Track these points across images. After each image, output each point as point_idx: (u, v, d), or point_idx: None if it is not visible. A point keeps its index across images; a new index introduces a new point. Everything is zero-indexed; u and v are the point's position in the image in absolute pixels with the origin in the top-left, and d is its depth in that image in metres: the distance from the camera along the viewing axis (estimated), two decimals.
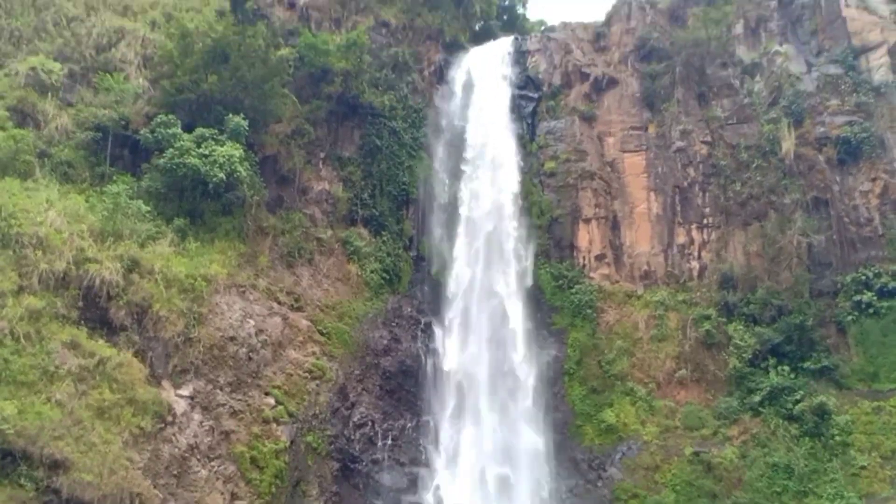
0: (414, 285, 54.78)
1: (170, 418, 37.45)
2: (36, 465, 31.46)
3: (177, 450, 37.02)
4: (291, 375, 44.18)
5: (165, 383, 38.74)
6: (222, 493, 37.70)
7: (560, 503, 48.13)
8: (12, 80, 45.87)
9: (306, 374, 44.89)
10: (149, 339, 39.25)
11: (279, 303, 46.60)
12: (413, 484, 46.85)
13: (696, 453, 47.71)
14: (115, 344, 37.55)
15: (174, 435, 37.31)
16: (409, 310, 53.01)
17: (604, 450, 49.34)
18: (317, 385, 45.03)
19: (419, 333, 52.31)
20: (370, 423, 46.87)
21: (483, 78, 63.20)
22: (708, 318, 52.18)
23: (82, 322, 37.27)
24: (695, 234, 56.49)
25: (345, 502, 44.05)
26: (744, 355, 50.16)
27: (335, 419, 45.26)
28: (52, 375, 34.32)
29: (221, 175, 44.99)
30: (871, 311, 49.68)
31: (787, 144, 55.15)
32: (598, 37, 65.60)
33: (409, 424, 48.76)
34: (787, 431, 47.33)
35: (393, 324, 51.41)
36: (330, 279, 50.49)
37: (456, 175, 59.15)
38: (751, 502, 45.74)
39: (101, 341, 37.00)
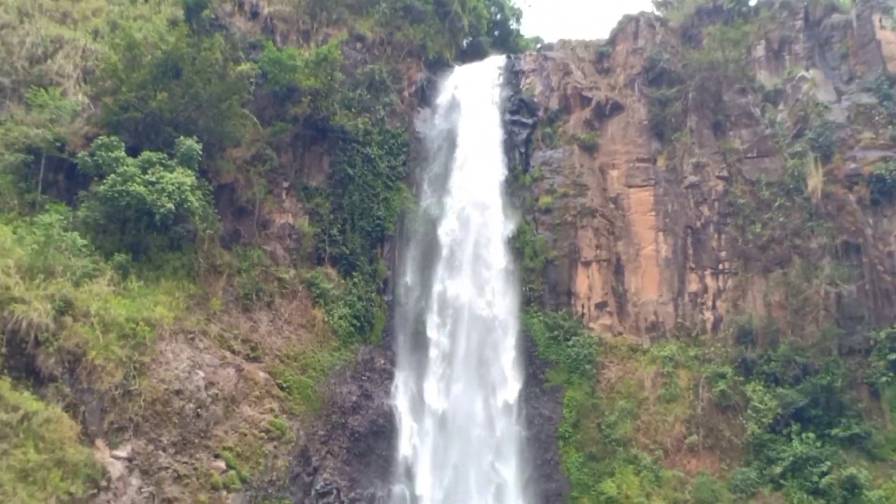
0: (388, 334, 54.77)
1: (104, 483, 37.09)
2: None
3: None
4: (245, 435, 43.95)
5: (100, 443, 38.45)
6: None
7: None
8: None
9: (262, 434, 44.66)
10: (82, 391, 38.98)
11: (233, 352, 46.50)
12: None
13: None
14: (43, 396, 37.25)
15: (108, 502, 36.97)
16: (383, 362, 53.06)
17: None
18: (274, 447, 44.82)
19: (393, 390, 52.24)
20: (335, 492, 46.70)
21: (471, 100, 63.61)
22: (723, 376, 52.39)
23: (5, 371, 36.89)
24: (709, 281, 56.80)
25: None
26: (763, 420, 50.37)
27: (295, 487, 45.00)
28: None
29: (170, 205, 44.87)
30: None
31: (814, 181, 55.66)
32: (601, 57, 66.32)
33: (381, 493, 48.70)
34: None
35: (363, 377, 51.40)
36: (292, 326, 50.45)
37: (439, 210, 59.23)
38: None
39: (26, 393, 36.65)
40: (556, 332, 55.82)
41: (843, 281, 53.02)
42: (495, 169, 60.87)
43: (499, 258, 57.84)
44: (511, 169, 61.62)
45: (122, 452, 38.89)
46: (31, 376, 37.82)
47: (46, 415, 36.45)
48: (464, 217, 58.97)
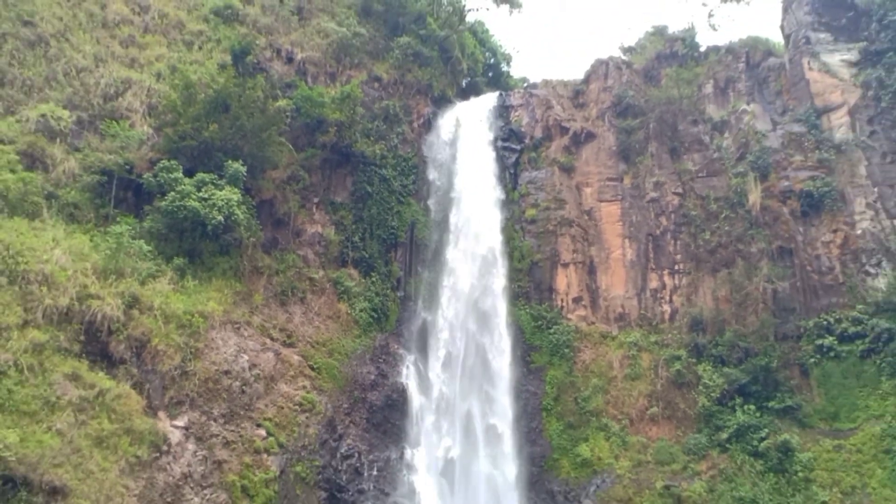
0: (401, 324, 54.62)
1: (165, 448, 37.11)
2: (36, 492, 31.11)
3: (171, 478, 36.66)
4: (282, 408, 43.92)
5: (161, 414, 38.44)
6: None
7: None
8: (23, 125, 45.85)
9: (297, 407, 44.61)
10: (147, 371, 39.02)
11: (272, 339, 46.42)
12: None
13: (667, 487, 47.60)
14: (115, 376, 37.30)
15: (169, 464, 36.96)
16: (396, 347, 52.87)
17: (579, 482, 49.19)
18: (306, 417, 44.76)
19: (405, 370, 52.15)
20: (357, 455, 46.54)
21: (469, 130, 63.48)
22: (678, 358, 52.30)
23: (83, 355, 36.96)
24: (666, 279, 56.69)
25: None
26: (712, 394, 50.30)
27: (323, 450, 44.92)
28: (54, 405, 34.03)
29: (220, 217, 44.95)
30: (832, 354, 49.96)
31: (754, 197, 55.66)
32: (576, 94, 66.31)
33: (394, 456, 48.46)
34: (752, 467, 47.36)
35: (380, 360, 51.22)
36: (321, 317, 50.37)
37: (443, 220, 59.21)
38: None
39: (101, 373, 36.71)
40: (539, 322, 55.84)
41: (778, 279, 53.00)
42: (489, 187, 60.87)
43: (497, 256, 57.96)
44: (503, 186, 61.60)
45: (180, 422, 38.90)
46: (104, 359, 37.87)
47: (117, 391, 36.52)
48: (462, 225, 58.98)
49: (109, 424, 35.21)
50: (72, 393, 35.02)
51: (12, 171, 42.58)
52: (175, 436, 38.10)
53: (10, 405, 32.93)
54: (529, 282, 57.54)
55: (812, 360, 50.39)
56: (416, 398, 51.47)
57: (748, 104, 60.02)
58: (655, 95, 62.74)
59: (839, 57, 58.12)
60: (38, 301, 36.61)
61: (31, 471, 31.30)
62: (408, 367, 52.57)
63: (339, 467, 45.41)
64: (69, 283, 38.00)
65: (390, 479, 47.40)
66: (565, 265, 57.81)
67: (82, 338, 37.47)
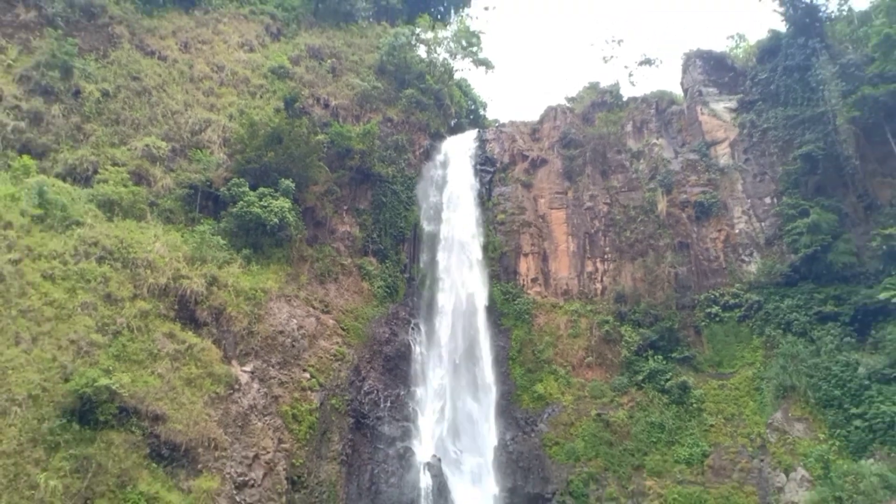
0: (407, 297, 54.11)
1: (236, 386, 37.15)
2: (143, 418, 31.47)
3: (241, 408, 36.64)
4: (322, 358, 43.77)
5: (234, 362, 38.39)
6: (272, 439, 37.24)
7: (504, 449, 47.78)
8: (132, 152, 45.64)
9: (332, 357, 44.45)
10: (223, 331, 39.07)
11: (314, 308, 46.18)
12: (405, 434, 46.37)
13: (599, 414, 47.65)
14: (200, 335, 37.51)
15: (239, 398, 36.91)
16: (404, 314, 52.45)
17: (535, 411, 49.11)
18: (339, 365, 44.60)
19: (410, 330, 51.95)
20: (376, 392, 46.34)
21: (456, 157, 63.06)
22: (607, 322, 52.16)
23: (177, 319, 37.19)
24: (598, 265, 56.53)
25: (357, 446, 43.47)
26: (631, 348, 50.26)
27: (351, 388, 44.73)
28: (156, 356, 34.27)
29: (275, 220, 44.75)
30: (717, 319, 50.10)
31: (661, 206, 55.69)
32: (534, 131, 65.87)
33: (403, 393, 48.19)
34: (660, 400, 47.48)
35: (392, 323, 50.86)
36: (349, 292, 50.12)
37: (437, 223, 58.79)
38: (635, 449, 45.79)
39: (189, 333, 36.90)
40: (507, 296, 55.44)
41: (679, 265, 53.05)
42: (470, 199, 60.61)
43: (476, 249, 57.57)
44: (480, 198, 61.32)
45: (248, 368, 38.87)
46: (192, 323, 38.04)
47: (202, 345, 36.66)
48: (452, 225, 58.59)
49: (196, 369, 35.32)
50: (168, 347, 35.07)
51: (125, 186, 42.57)
52: (244, 378, 38.09)
53: (124, 356, 33.12)
54: (500, 267, 57.11)
55: (703, 323, 50.48)
56: (418, 351, 51.28)
57: (657, 139, 59.93)
58: (591, 132, 62.49)
59: (723, 105, 58.16)
60: (144, 280, 36.87)
61: (139, 403, 31.60)
62: (412, 328, 52.35)
63: (363, 401, 45.21)
64: (166, 267, 38.18)
65: (400, 408, 47.13)
66: (525, 255, 57.51)
67: (176, 307, 37.68)
